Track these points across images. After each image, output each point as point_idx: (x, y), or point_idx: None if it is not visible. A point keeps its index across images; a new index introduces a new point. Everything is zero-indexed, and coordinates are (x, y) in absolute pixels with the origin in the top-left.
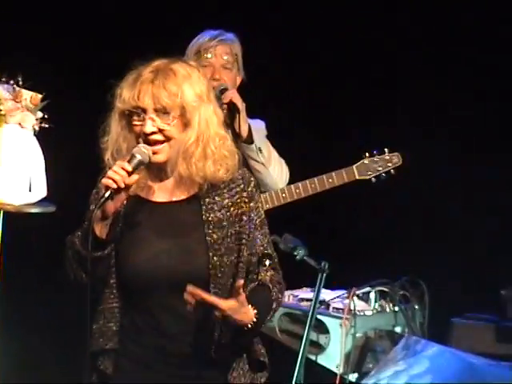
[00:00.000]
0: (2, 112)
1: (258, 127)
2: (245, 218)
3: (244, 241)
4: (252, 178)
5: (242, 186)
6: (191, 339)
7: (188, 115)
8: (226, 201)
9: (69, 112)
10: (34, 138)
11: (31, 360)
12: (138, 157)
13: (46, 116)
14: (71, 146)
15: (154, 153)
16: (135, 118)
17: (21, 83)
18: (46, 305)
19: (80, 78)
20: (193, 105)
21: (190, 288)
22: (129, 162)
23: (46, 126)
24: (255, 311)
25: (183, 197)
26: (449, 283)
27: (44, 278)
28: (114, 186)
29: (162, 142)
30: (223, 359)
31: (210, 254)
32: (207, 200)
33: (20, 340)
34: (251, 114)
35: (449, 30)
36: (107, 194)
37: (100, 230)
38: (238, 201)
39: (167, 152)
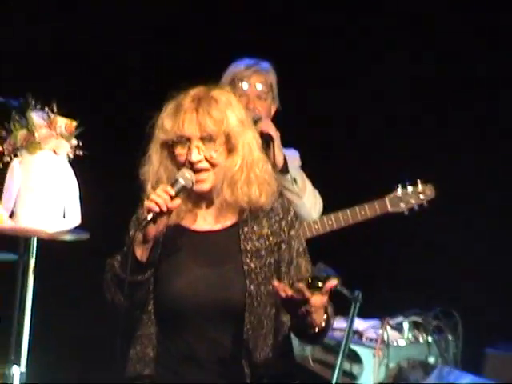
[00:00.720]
0: (37, 139)
1: (292, 157)
2: (283, 246)
3: (283, 269)
4: (291, 208)
5: (281, 215)
6: (225, 370)
7: (233, 141)
8: (265, 230)
9: (104, 139)
10: (69, 165)
11: None
12: (182, 182)
13: (80, 143)
14: (106, 174)
15: (199, 181)
16: (179, 147)
17: (55, 110)
18: (78, 331)
19: (113, 106)
20: (237, 130)
21: (276, 283)
22: (172, 186)
23: (81, 153)
24: (325, 317)
25: (222, 226)
26: (483, 313)
27: (77, 304)
28: (157, 209)
29: (207, 170)
30: None
31: (247, 282)
32: (246, 229)
33: (53, 367)
34: (285, 144)
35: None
36: (150, 217)
37: (141, 253)
38: (277, 230)
39: (212, 180)
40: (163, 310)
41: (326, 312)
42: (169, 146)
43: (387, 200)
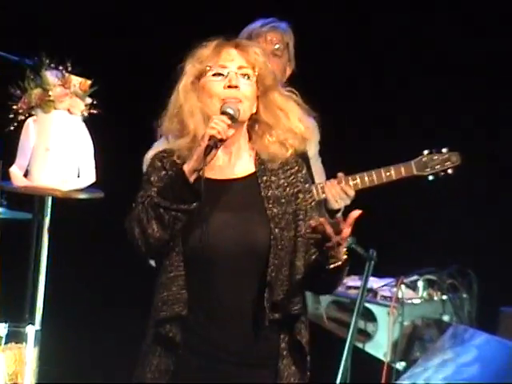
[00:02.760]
0: (51, 98)
1: (311, 128)
2: (301, 195)
3: (301, 217)
4: (304, 163)
5: (296, 167)
6: (248, 312)
7: (269, 80)
8: (282, 181)
9: (118, 98)
10: (83, 124)
11: (79, 344)
12: (231, 111)
13: (94, 102)
14: (120, 133)
15: None
16: (213, 76)
17: (70, 69)
18: (93, 290)
19: (129, 65)
20: (274, 73)
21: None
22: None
23: (95, 112)
24: (345, 256)
25: (240, 175)
26: (498, 272)
27: (92, 263)
28: (219, 136)
29: (240, 101)
30: (274, 343)
31: (272, 225)
32: (264, 178)
33: (68, 326)
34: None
35: None
36: (212, 143)
37: (193, 181)
38: (294, 181)
39: (244, 112)
40: (190, 256)
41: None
42: (197, 85)
43: (413, 163)
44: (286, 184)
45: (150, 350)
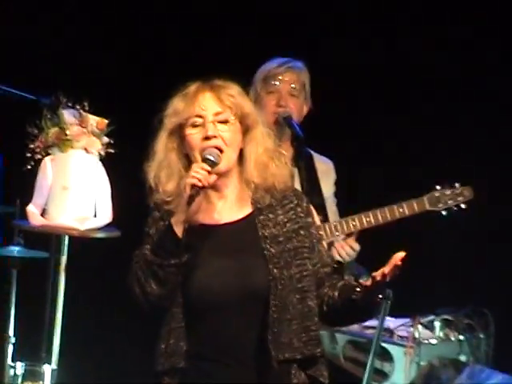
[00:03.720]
0: (68, 137)
1: (326, 168)
2: (302, 232)
3: (306, 254)
4: (304, 196)
5: (295, 201)
6: (253, 361)
7: (250, 119)
8: (281, 217)
9: (135, 138)
10: (100, 163)
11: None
12: (211, 157)
13: (111, 141)
14: (137, 172)
15: None
16: (190, 128)
17: (87, 108)
18: (110, 330)
19: (146, 103)
20: (253, 110)
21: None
22: (204, 162)
23: (112, 151)
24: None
25: (237, 217)
26: None
27: (108, 302)
28: (200, 184)
29: (220, 150)
30: (285, 382)
31: (270, 266)
32: (261, 218)
33: (84, 365)
34: (318, 150)
35: None
36: (194, 192)
37: (181, 233)
38: (294, 216)
39: (227, 160)
40: (190, 303)
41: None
42: (177, 135)
43: (425, 199)
44: (285, 220)
45: None
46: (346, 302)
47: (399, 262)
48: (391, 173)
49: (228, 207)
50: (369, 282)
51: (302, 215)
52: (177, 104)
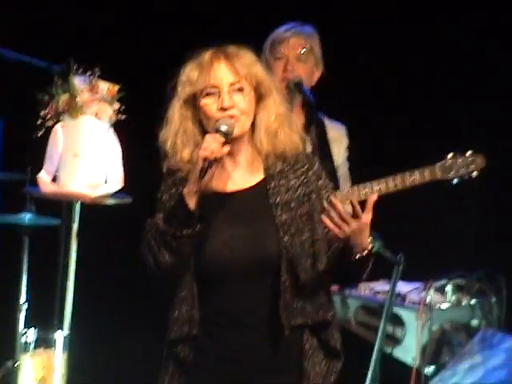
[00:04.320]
0: (79, 103)
1: (339, 133)
2: (314, 196)
3: (316, 218)
4: (315, 158)
5: (307, 165)
6: (264, 323)
7: (264, 86)
8: (293, 182)
9: (146, 103)
10: (111, 129)
11: (107, 350)
12: (224, 128)
13: (122, 107)
14: (149, 138)
15: None
16: (206, 98)
17: (98, 75)
18: (122, 295)
19: (157, 69)
20: (267, 78)
21: (332, 200)
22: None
23: (123, 117)
24: (371, 244)
25: (250, 184)
26: None
27: (120, 269)
28: (212, 156)
29: (236, 118)
30: (297, 346)
31: (281, 233)
32: (273, 184)
33: (96, 331)
34: (331, 114)
35: None
36: (207, 165)
37: (193, 205)
38: (305, 181)
39: (241, 127)
40: (202, 270)
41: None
42: (191, 103)
43: (437, 167)
44: (297, 185)
45: (163, 366)
46: (340, 254)
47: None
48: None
49: (240, 174)
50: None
51: (314, 178)
52: (191, 73)
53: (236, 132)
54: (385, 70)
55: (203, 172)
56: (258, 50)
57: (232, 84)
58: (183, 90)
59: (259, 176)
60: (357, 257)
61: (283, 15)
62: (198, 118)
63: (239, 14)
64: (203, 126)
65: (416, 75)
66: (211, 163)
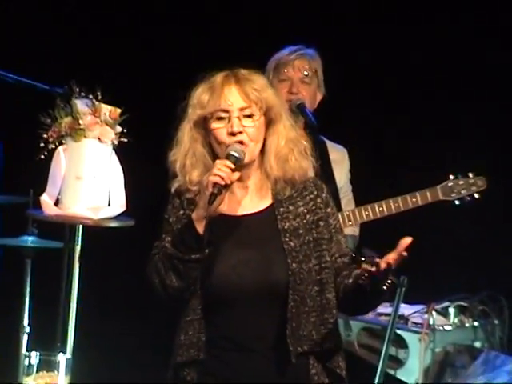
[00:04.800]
0: (82, 126)
1: (341, 157)
2: (322, 223)
3: (324, 246)
4: (324, 186)
5: (315, 192)
6: (270, 350)
7: (274, 111)
8: (301, 208)
9: (148, 126)
10: (113, 152)
11: (109, 372)
12: (235, 154)
13: (125, 130)
14: (151, 161)
15: None
16: (216, 122)
17: (100, 97)
18: (125, 319)
19: (159, 92)
20: (277, 102)
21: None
22: (227, 158)
23: (125, 140)
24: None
25: (258, 209)
26: None
27: (123, 291)
28: (223, 182)
29: (245, 144)
30: (303, 372)
31: (289, 260)
32: (281, 210)
33: (99, 354)
34: (331, 136)
35: None
36: (216, 191)
37: (202, 229)
38: (314, 207)
39: (250, 154)
40: (209, 295)
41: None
42: (201, 126)
43: (439, 188)
44: (305, 211)
45: None
46: (356, 288)
47: (404, 249)
48: (403, 166)
49: (249, 198)
50: (374, 269)
51: (322, 206)
52: (202, 95)
53: (246, 158)
54: (385, 70)
55: (213, 198)
56: (258, 54)
57: (242, 109)
58: (194, 112)
59: (267, 201)
60: (383, 287)
61: (283, 15)
62: (207, 140)
63: (239, 14)
64: (213, 149)
65: (416, 75)
66: (221, 189)
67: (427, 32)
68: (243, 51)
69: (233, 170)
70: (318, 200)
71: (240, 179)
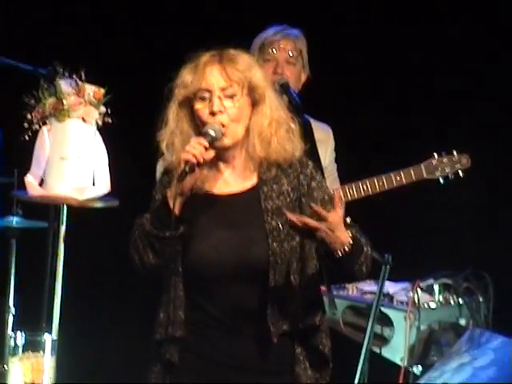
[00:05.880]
0: (65, 107)
1: (326, 135)
2: (304, 200)
3: None
4: (309, 161)
5: (299, 169)
6: (251, 329)
7: (259, 92)
8: (285, 187)
9: (132, 106)
10: (97, 132)
11: (95, 353)
12: (212, 133)
13: (109, 110)
14: (135, 141)
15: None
16: (199, 102)
17: (83, 77)
18: (109, 298)
19: (143, 72)
20: (262, 82)
21: (288, 214)
22: (203, 137)
23: (109, 120)
24: (350, 235)
25: (243, 188)
26: None
27: (107, 271)
28: (194, 160)
29: (225, 125)
30: (288, 350)
31: (270, 240)
32: (265, 189)
33: (85, 334)
34: (316, 115)
35: None
36: (188, 168)
37: (176, 207)
38: (297, 185)
39: (233, 135)
40: (189, 273)
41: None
42: (187, 105)
43: (422, 167)
44: (289, 189)
45: (150, 366)
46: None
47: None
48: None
49: (235, 177)
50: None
51: (304, 182)
52: (186, 75)
53: (228, 140)
54: (385, 69)
55: (183, 175)
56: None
57: (223, 89)
58: (179, 92)
59: (252, 180)
60: (339, 255)
61: (283, 15)
62: (193, 119)
63: (238, 14)
64: (199, 128)
65: (416, 75)
66: (193, 167)
67: (427, 32)
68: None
69: (207, 149)
70: (301, 177)
71: (225, 159)
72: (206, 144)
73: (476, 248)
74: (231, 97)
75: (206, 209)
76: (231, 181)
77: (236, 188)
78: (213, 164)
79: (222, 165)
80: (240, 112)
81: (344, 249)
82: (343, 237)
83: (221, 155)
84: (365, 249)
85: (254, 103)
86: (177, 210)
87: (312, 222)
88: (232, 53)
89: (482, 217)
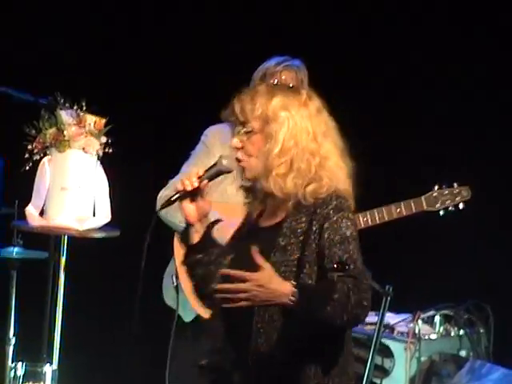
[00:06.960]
0: (66, 137)
1: None
2: (310, 241)
3: (305, 270)
4: (333, 199)
5: (319, 208)
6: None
7: (272, 125)
8: (302, 225)
9: (133, 137)
10: (98, 162)
11: (96, 383)
12: (224, 162)
13: (109, 141)
14: (136, 171)
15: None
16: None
17: (84, 108)
18: (110, 329)
19: (143, 102)
20: (278, 113)
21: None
22: (210, 167)
23: (110, 150)
24: (293, 288)
25: (273, 222)
26: None
27: (108, 301)
28: (181, 188)
29: (242, 161)
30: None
31: None
32: (285, 225)
33: (85, 364)
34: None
35: None
36: (174, 197)
37: (189, 237)
38: (310, 225)
39: (251, 171)
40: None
41: (299, 286)
42: None
43: (423, 199)
44: (305, 228)
45: None
46: None
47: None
48: (389, 176)
49: (269, 211)
50: None
51: (315, 222)
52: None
53: (248, 175)
54: (385, 69)
55: (167, 202)
56: (258, 54)
57: (243, 125)
58: None
59: (282, 215)
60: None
61: (283, 15)
62: None
63: (239, 16)
64: None
65: (416, 75)
66: (179, 196)
67: (427, 32)
68: (243, 52)
69: (201, 178)
70: (317, 216)
71: (266, 194)
72: (200, 173)
73: (477, 280)
74: (248, 133)
75: (244, 238)
76: (268, 214)
77: (270, 222)
78: (261, 197)
79: (268, 198)
80: (255, 147)
81: (290, 299)
82: (283, 288)
83: (264, 192)
84: (335, 296)
85: (267, 136)
86: (192, 239)
87: (239, 276)
88: (250, 90)
89: (482, 248)
